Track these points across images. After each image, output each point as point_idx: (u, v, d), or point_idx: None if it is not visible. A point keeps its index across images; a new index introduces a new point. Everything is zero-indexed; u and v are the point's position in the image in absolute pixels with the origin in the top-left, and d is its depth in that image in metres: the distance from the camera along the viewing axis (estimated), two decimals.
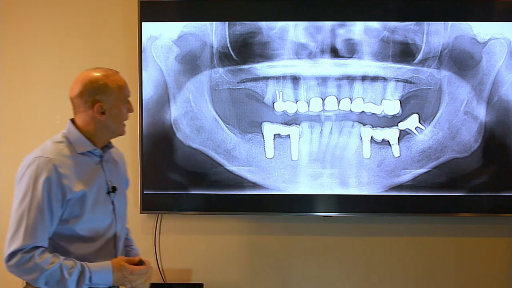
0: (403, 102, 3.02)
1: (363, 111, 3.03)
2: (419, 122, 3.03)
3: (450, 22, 2.99)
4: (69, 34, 3.19)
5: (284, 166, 3.06)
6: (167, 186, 3.08)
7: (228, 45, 3.03)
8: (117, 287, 2.11)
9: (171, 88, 3.06)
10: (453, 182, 3.03)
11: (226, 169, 3.06)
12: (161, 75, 3.05)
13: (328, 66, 3.02)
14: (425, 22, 2.99)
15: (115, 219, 2.07)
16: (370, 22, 3.01)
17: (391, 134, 3.03)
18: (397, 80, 3.02)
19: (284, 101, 3.05)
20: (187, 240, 3.22)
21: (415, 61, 3.01)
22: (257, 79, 3.04)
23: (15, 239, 1.86)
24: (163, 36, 3.04)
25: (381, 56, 3.01)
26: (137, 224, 3.20)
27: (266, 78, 3.04)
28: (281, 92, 3.04)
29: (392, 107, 3.03)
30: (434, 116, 3.02)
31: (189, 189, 3.08)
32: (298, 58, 3.03)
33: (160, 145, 3.07)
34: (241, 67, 3.04)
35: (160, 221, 3.21)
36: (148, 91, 3.06)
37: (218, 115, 3.06)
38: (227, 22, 3.03)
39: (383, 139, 3.04)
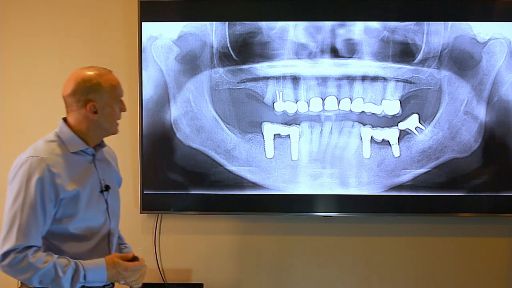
0: (403, 102, 3.02)
1: (363, 111, 3.03)
2: (419, 122, 3.03)
3: (450, 22, 2.99)
4: (69, 34, 3.19)
5: (284, 166, 3.06)
6: (167, 186, 3.08)
7: (228, 45, 3.03)
8: (111, 285, 2.12)
9: (171, 88, 3.06)
10: (453, 182, 3.03)
11: (226, 169, 3.06)
12: (161, 75, 3.05)
13: (328, 66, 3.02)
14: (425, 22, 2.99)
15: (108, 218, 2.07)
16: (370, 22, 3.01)
17: (391, 134, 3.03)
18: (397, 80, 3.02)
19: (284, 101, 3.05)
20: (187, 240, 3.22)
21: (415, 61, 3.01)
22: (257, 79, 3.04)
23: (8, 239, 1.86)
24: (163, 36, 3.04)
25: (381, 56, 3.01)
26: (137, 224, 3.20)
27: (266, 78, 3.04)
28: (281, 92, 3.04)
29: (392, 107, 3.03)
30: (434, 116, 3.02)
31: (189, 189, 3.08)
32: (298, 58, 3.03)
33: (160, 145, 3.07)
34: (241, 67, 3.04)
35: (160, 221, 3.21)
36: (148, 91, 3.06)
37: (218, 115, 3.06)
38: (227, 22, 3.03)
39: (383, 139, 3.04)
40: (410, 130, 3.03)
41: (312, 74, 3.03)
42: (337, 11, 3.03)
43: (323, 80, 3.03)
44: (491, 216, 3.12)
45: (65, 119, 2.03)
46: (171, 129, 3.06)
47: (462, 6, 3.01)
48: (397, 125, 3.03)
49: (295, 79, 3.04)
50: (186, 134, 3.06)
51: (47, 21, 3.20)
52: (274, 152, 3.06)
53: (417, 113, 3.02)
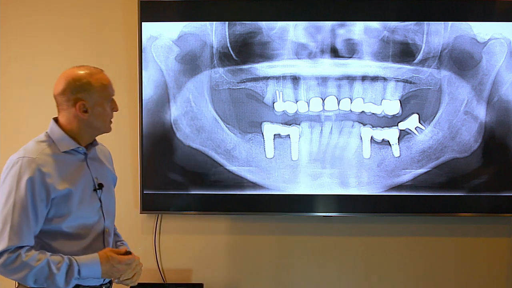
0: (403, 102, 3.02)
1: (363, 111, 3.03)
2: (419, 122, 3.03)
3: (450, 22, 2.99)
4: (69, 34, 3.19)
5: (284, 166, 3.06)
6: (167, 186, 3.08)
7: (228, 45, 3.03)
8: (109, 284, 2.11)
9: (171, 88, 3.06)
10: (453, 182, 3.03)
11: (226, 169, 3.06)
12: (161, 75, 3.05)
13: (328, 66, 3.02)
14: (425, 22, 2.99)
15: (103, 216, 2.07)
16: (370, 22, 3.01)
17: (391, 134, 3.03)
18: (397, 80, 3.02)
19: (284, 101, 3.05)
20: (187, 240, 3.22)
21: (415, 61, 3.01)
22: (257, 79, 3.04)
23: (0, 240, 1.87)
24: (163, 36, 3.04)
25: (381, 56, 3.01)
26: (137, 224, 3.20)
27: (266, 78, 3.04)
28: (281, 92, 3.04)
29: (392, 107, 3.03)
30: (434, 116, 3.02)
31: (189, 189, 3.08)
32: (298, 58, 3.03)
33: (160, 145, 3.07)
34: (241, 67, 3.04)
35: (160, 221, 3.21)
36: (148, 91, 3.06)
37: (218, 115, 3.06)
38: (227, 22, 3.03)
39: (383, 139, 3.04)
40: (410, 130, 3.03)
41: (312, 74, 3.03)
42: (337, 11, 3.03)
43: (323, 80, 3.03)
44: (491, 216, 3.11)
45: (56, 119, 2.04)
46: (171, 129, 3.06)
47: (462, 6, 3.01)
48: (397, 125, 3.03)
49: (295, 79, 3.04)
50: (186, 134, 3.06)
51: (47, 21, 3.20)
52: (274, 152, 3.06)
53: (417, 113, 3.02)
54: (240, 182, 3.06)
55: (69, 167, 1.99)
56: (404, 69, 3.01)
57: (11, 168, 1.92)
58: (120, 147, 3.13)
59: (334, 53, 3.02)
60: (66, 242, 1.97)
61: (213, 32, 3.03)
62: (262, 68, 3.03)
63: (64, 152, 1.99)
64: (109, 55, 3.17)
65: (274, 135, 3.05)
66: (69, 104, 1.97)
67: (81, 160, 2.04)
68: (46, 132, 2.03)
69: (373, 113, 3.03)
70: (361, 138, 3.04)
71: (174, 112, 3.06)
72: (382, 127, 3.03)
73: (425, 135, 3.03)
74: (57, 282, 1.89)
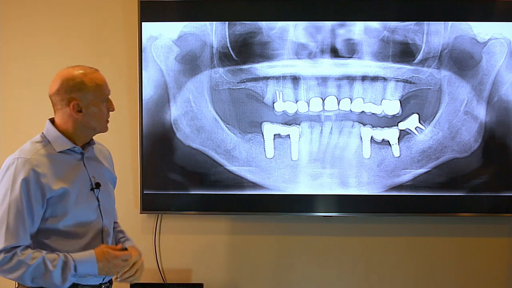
0: (403, 102, 3.02)
1: (363, 111, 3.03)
2: (419, 122, 3.03)
3: (450, 22, 2.99)
4: (69, 34, 3.19)
5: (284, 166, 3.06)
6: (167, 186, 3.08)
7: (228, 45, 3.03)
8: (109, 284, 2.11)
9: (171, 88, 3.06)
10: (453, 182, 3.03)
11: (226, 169, 3.06)
12: (161, 75, 3.05)
13: (328, 66, 3.02)
14: (425, 22, 2.99)
15: (101, 215, 2.07)
16: (370, 22, 3.01)
17: (391, 134, 3.03)
18: (397, 80, 3.02)
19: (284, 101, 3.05)
20: (187, 240, 3.22)
21: (415, 61, 3.01)
22: (257, 79, 3.04)
23: None
24: (163, 36, 3.04)
25: (381, 56, 3.01)
26: (137, 224, 3.20)
27: (266, 78, 3.04)
28: (281, 92, 3.04)
29: (392, 107, 3.03)
30: (434, 116, 3.02)
31: (189, 189, 3.08)
32: (298, 58, 3.03)
33: (160, 145, 3.07)
34: (241, 67, 3.04)
35: (160, 221, 3.21)
36: (148, 91, 3.06)
37: (218, 115, 3.06)
38: (227, 22, 3.03)
39: (383, 139, 3.04)
40: (410, 130, 3.03)
41: (312, 74, 3.03)
42: (337, 11, 3.03)
43: (323, 80, 3.03)
44: (491, 216, 3.12)
45: (52, 120, 2.05)
46: (171, 129, 3.06)
47: (462, 6, 3.01)
48: (397, 125, 3.03)
49: (295, 79, 3.04)
50: (186, 134, 3.06)
51: (47, 21, 3.20)
52: (274, 152, 3.06)
53: (417, 113, 3.02)
54: (240, 182, 3.06)
55: (65, 166, 2.00)
56: (404, 69, 3.01)
57: (6, 169, 1.94)
58: (120, 147, 3.13)
59: (334, 53, 3.02)
60: (64, 241, 1.97)
61: (213, 32, 3.03)
62: (262, 68, 3.03)
63: (60, 152, 2.00)
64: (109, 55, 3.17)
65: (274, 135, 3.05)
66: (63, 104, 1.98)
67: (78, 160, 2.05)
68: (42, 133, 2.04)
69: (373, 113, 3.03)
70: (361, 138, 3.04)
71: (174, 112, 3.06)
72: (382, 127, 3.03)
73: (425, 135, 3.03)
74: (54, 280, 1.89)
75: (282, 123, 3.05)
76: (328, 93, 3.04)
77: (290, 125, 3.05)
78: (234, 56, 3.03)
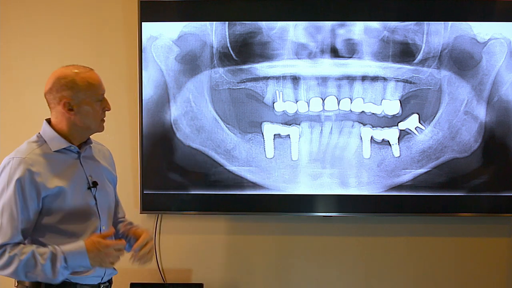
0: (403, 102, 3.02)
1: (363, 111, 3.03)
2: (419, 122, 3.03)
3: (450, 22, 2.99)
4: (69, 34, 3.19)
5: (284, 166, 3.06)
6: (167, 186, 3.08)
7: (228, 45, 3.03)
8: (108, 284, 2.11)
9: (171, 88, 3.06)
10: (453, 182, 3.03)
11: (226, 169, 3.06)
12: (161, 75, 3.05)
13: (328, 66, 3.02)
14: (425, 22, 2.99)
15: (98, 214, 2.07)
16: (370, 22, 3.01)
17: (391, 134, 3.03)
18: (397, 80, 3.02)
19: (284, 101, 3.05)
20: (187, 240, 3.22)
21: (415, 61, 3.01)
22: (257, 79, 3.04)
23: None
24: (163, 36, 3.04)
25: (381, 56, 3.01)
26: (137, 224, 3.19)
27: (266, 78, 3.04)
28: (281, 92, 3.04)
29: (392, 107, 3.03)
30: (434, 116, 3.02)
31: (189, 189, 3.08)
32: (298, 58, 3.03)
33: (160, 145, 3.07)
34: (241, 67, 3.04)
35: (160, 221, 3.21)
36: (148, 91, 3.06)
37: (218, 115, 3.06)
38: (227, 22, 3.03)
39: (383, 139, 3.04)
40: (410, 130, 3.03)
41: (312, 74, 3.03)
42: (337, 11, 3.03)
43: (323, 80, 3.03)
44: (491, 216, 3.11)
45: (48, 120, 2.06)
46: (171, 129, 3.06)
47: (462, 6, 3.01)
48: (397, 125, 3.03)
49: (295, 79, 3.04)
50: (186, 134, 3.06)
51: (47, 21, 3.20)
52: (274, 152, 3.06)
53: (417, 113, 3.02)
54: (240, 182, 3.06)
55: (61, 165, 2.00)
56: (404, 69, 3.01)
57: (2, 169, 1.96)
58: (120, 147, 3.13)
59: (334, 53, 3.02)
60: (61, 240, 1.97)
61: (213, 32, 3.03)
62: (262, 68, 3.03)
63: (56, 151, 2.01)
64: (109, 55, 3.17)
65: (274, 135, 3.05)
66: (55, 102, 2.00)
67: (75, 159, 2.06)
68: (39, 133, 2.06)
69: (373, 113, 3.03)
70: (361, 138, 3.04)
71: (174, 112, 3.06)
72: (382, 127, 3.03)
73: (425, 135, 3.03)
74: (46, 273, 1.88)
75: (282, 123, 3.05)
76: (328, 93, 3.04)
77: (290, 125, 3.05)
78: (234, 56, 3.03)
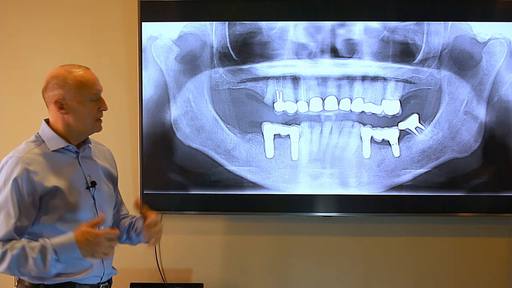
0: (403, 102, 3.02)
1: (363, 111, 3.03)
2: (419, 122, 3.03)
3: (450, 22, 2.99)
4: (69, 34, 3.19)
5: (284, 166, 3.06)
6: (167, 186, 3.08)
7: (228, 45, 3.03)
8: (107, 283, 2.11)
9: (171, 88, 3.06)
10: (453, 182, 3.03)
11: (226, 169, 3.06)
12: (161, 75, 3.05)
13: (328, 66, 3.02)
14: (425, 22, 2.99)
15: (96, 214, 2.06)
16: (370, 22, 3.01)
17: (391, 134, 3.03)
18: (397, 80, 3.02)
19: (284, 101, 3.05)
20: (187, 240, 3.22)
21: (415, 61, 3.01)
22: (257, 79, 3.04)
23: None
24: (163, 36, 3.04)
25: (381, 56, 3.01)
26: None
27: (266, 78, 3.04)
28: (281, 92, 3.04)
29: (392, 107, 3.03)
30: (434, 116, 3.02)
31: (189, 189, 3.08)
32: (298, 58, 3.03)
33: (160, 145, 3.07)
34: (241, 67, 3.04)
35: (160, 221, 3.20)
36: (148, 91, 3.06)
37: (218, 115, 3.06)
38: (227, 22, 3.02)
39: (383, 139, 3.04)
40: (410, 130, 3.03)
41: (312, 74, 3.03)
42: (337, 11, 3.03)
43: (323, 80, 3.03)
44: (491, 216, 3.11)
45: (47, 120, 2.07)
46: (171, 129, 3.06)
47: (462, 6, 3.01)
48: (397, 125, 3.03)
49: (295, 79, 3.04)
50: (186, 134, 3.06)
51: (47, 21, 3.20)
52: (274, 152, 3.06)
53: (417, 113, 3.02)
54: (240, 182, 3.06)
55: (59, 165, 2.01)
56: (404, 69, 3.01)
57: (1, 169, 1.98)
58: (120, 147, 3.13)
59: (334, 53, 3.02)
60: None
61: (213, 32, 3.03)
62: (262, 68, 3.03)
63: (55, 151, 2.02)
64: (109, 55, 3.17)
65: (274, 135, 3.05)
66: (49, 101, 2.02)
67: (73, 159, 2.06)
68: (38, 133, 2.06)
69: (373, 113, 3.03)
70: (361, 138, 3.04)
71: (174, 112, 3.06)
72: (382, 127, 3.03)
73: (425, 135, 3.03)
74: (38, 267, 1.86)
75: (282, 123, 3.05)
76: (328, 93, 3.04)
77: (290, 125, 3.05)
78: (234, 56, 3.03)
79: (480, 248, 3.16)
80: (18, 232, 1.92)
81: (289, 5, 3.04)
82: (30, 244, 1.88)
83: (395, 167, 3.04)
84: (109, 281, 2.15)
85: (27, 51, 3.21)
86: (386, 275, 3.19)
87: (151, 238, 2.10)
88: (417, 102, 3.02)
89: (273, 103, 3.05)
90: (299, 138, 3.05)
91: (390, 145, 3.04)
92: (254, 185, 3.06)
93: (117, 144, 3.08)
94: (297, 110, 3.05)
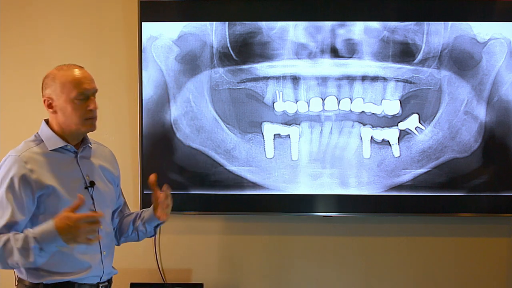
0: (403, 102, 3.02)
1: (363, 111, 3.03)
2: (419, 122, 3.03)
3: (450, 22, 2.99)
4: (69, 34, 3.19)
5: (284, 166, 3.06)
6: None
7: (228, 45, 3.03)
8: (107, 283, 2.11)
9: (171, 88, 3.06)
10: (453, 182, 3.03)
11: (226, 169, 3.06)
12: (161, 75, 3.05)
13: (328, 66, 3.02)
14: (425, 22, 2.99)
15: None
16: (370, 22, 3.01)
17: (391, 134, 3.03)
18: (397, 80, 3.02)
19: (284, 101, 3.05)
20: (187, 240, 3.22)
21: (415, 61, 3.01)
22: (257, 79, 3.04)
23: None
24: (163, 36, 3.04)
25: (381, 56, 3.01)
26: None
27: (266, 78, 3.04)
28: (281, 92, 3.04)
29: (392, 107, 3.03)
30: (434, 116, 3.02)
31: (189, 189, 3.08)
32: (298, 58, 3.03)
33: (160, 145, 3.07)
34: (241, 67, 3.04)
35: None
36: (148, 91, 3.06)
37: (218, 115, 3.06)
38: (227, 22, 3.02)
39: (383, 139, 3.04)
40: (410, 130, 3.03)
41: (312, 74, 3.03)
42: (337, 11, 3.03)
43: (323, 80, 3.03)
44: (491, 216, 3.11)
45: (47, 120, 2.09)
46: (171, 129, 3.06)
47: (462, 6, 3.01)
48: (397, 125, 3.03)
49: (295, 79, 3.04)
50: (186, 134, 3.06)
51: (47, 21, 3.20)
52: (274, 152, 3.06)
53: (417, 113, 3.02)
54: (240, 182, 3.06)
55: (57, 164, 2.01)
56: (404, 69, 3.01)
57: (0, 167, 1.99)
58: (120, 147, 3.12)
59: (334, 53, 3.02)
60: None
61: (213, 32, 3.03)
62: (262, 68, 3.03)
63: (53, 150, 2.03)
64: (109, 55, 3.17)
65: (274, 135, 3.05)
66: (43, 101, 2.05)
67: (72, 158, 2.07)
68: (37, 133, 2.08)
69: (373, 113, 3.03)
70: (361, 138, 3.04)
71: (174, 112, 3.06)
72: (382, 127, 3.03)
73: (425, 135, 3.03)
74: (23, 257, 1.84)
75: (282, 123, 3.05)
76: (328, 93, 3.04)
77: (290, 125, 3.05)
78: (234, 56, 3.03)
79: (480, 248, 3.16)
80: (12, 229, 1.91)
81: (289, 5, 3.05)
82: (16, 236, 1.87)
83: (395, 167, 3.04)
84: (109, 281, 2.15)
85: (27, 51, 3.20)
86: (386, 275, 3.19)
87: (164, 211, 2.16)
88: (417, 102, 3.02)
89: (273, 103, 3.05)
90: (299, 138, 3.05)
91: (390, 145, 3.04)
92: (254, 185, 3.06)
93: (117, 144, 3.08)
94: (297, 110, 3.05)
